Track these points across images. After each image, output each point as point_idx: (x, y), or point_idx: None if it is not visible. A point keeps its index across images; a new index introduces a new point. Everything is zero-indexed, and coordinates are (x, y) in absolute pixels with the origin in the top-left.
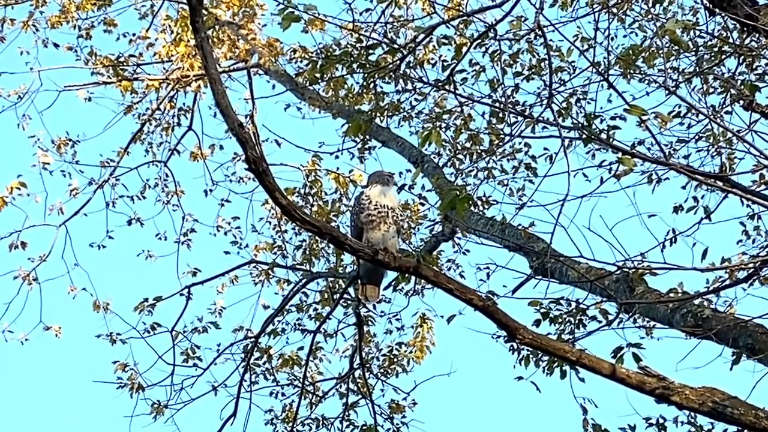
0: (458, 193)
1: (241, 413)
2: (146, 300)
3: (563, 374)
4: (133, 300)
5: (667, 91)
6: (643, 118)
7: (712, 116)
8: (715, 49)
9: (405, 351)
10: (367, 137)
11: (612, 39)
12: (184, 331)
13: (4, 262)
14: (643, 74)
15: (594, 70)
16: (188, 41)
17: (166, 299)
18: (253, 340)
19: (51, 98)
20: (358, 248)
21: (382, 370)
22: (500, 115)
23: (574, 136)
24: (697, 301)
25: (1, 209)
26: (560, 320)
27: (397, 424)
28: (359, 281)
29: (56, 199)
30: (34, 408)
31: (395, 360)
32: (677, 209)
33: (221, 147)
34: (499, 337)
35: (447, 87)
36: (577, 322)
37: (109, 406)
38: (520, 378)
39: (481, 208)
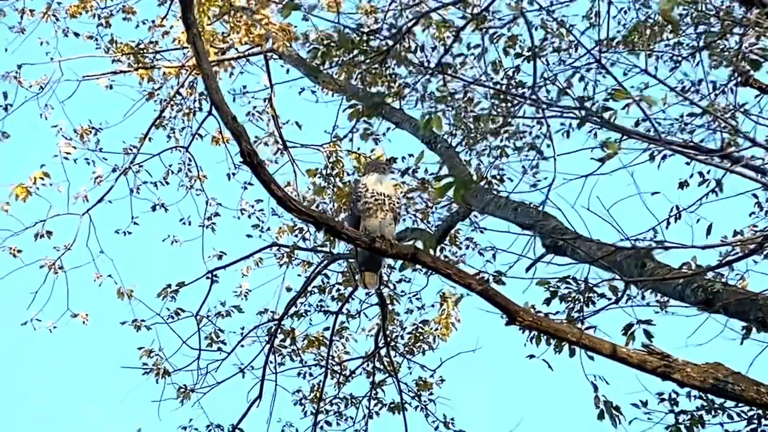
0: (455, 178)
1: (267, 396)
2: (169, 286)
3: (572, 352)
4: (160, 285)
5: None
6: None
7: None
8: (717, 25)
9: (430, 328)
10: (369, 124)
11: (624, 12)
12: (208, 316)
13: (30, 251)
14: (650, 50)
15: (589, 52)
16: (204, 27)
17: (189, 284)
18: (276, 322)
19: (72, 88)
20: (355, 237)
21: (407, 349)
22: (501, 96)
23: (573, 117)
24: (709, 275)
25: (26, 199)
26: (570, 298)
27: (425, 401)
28: (358, 268)
29: (80, 187)
30: (63, 395)
31: (421, 338)
32: (682, 185)
33: (252, 137)
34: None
35: (448, 70)
36: (586, 299)
37: (136, 392)
38: (531, 356)
39: (495, 187)
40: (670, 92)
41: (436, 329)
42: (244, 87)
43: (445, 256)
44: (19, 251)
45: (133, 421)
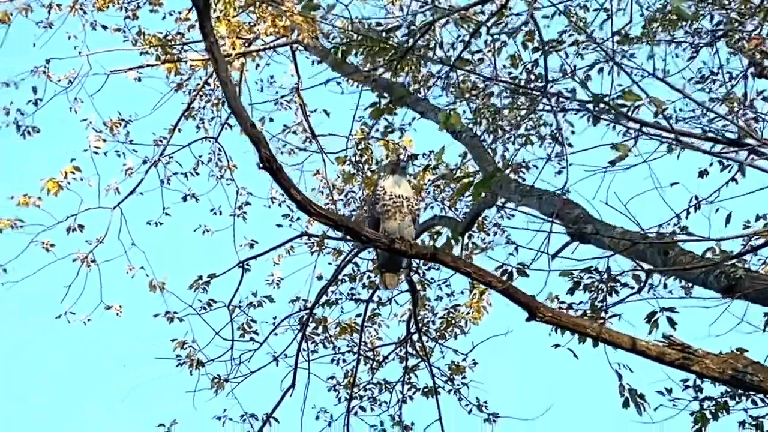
0: (473, 179)
1: (300, 384)
2: (200, 278)
3: (595, 342)
4: (193, 275)
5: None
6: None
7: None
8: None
9: (462, 313)
10: (389, 123)
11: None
12: (240, 306)
13: (63, 245)
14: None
15: (599, 45)
16: (230, 19)
17: (220, 276)
18: (307, 311)
19: (100, 81)
20: (375, 238)
21: (439, 333)
22: (520, 91)
23: (588, 111)
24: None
25: (57, 194)
26: (593, 288)
27: (458, 384)
28: (379, 269)
29: (111, 180)
30: (99, 387)
31: (453, 322)
32: (702, 174)
33: (271, 119)
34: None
35: (466, 66)
36: (609, 289)
37: (171, 383)
38: (557, 345)
39: (520, 175)
40: (688, 82)
41: (468, 313)
42: (272, 77)
43: (473, 243)
44: (52, 245)
45: (166, 412)
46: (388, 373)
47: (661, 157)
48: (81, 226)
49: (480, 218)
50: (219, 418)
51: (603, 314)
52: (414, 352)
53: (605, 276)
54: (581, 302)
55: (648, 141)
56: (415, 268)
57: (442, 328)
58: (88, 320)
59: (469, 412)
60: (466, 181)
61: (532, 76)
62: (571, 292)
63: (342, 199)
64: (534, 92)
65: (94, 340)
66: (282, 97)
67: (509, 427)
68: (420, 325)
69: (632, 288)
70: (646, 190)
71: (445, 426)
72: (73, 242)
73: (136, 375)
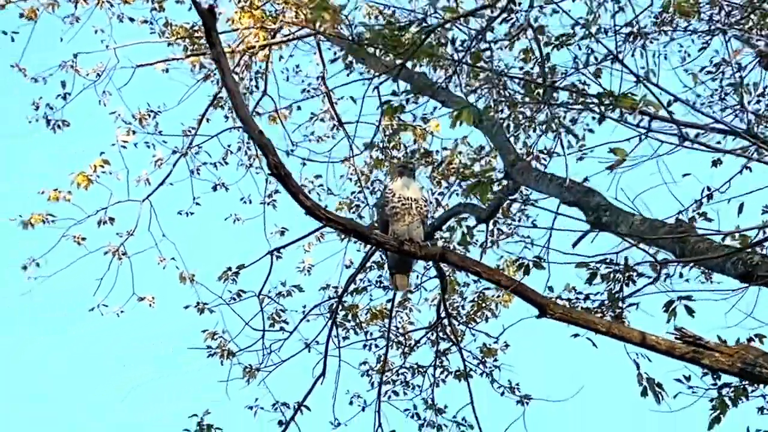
0: (482, 178)
1: (331, 371)
2: (229, 269)
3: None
4: (225, 263)
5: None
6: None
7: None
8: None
9: (493, 296)
10: (402, 120)
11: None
12: (269, 295)
13: (93, 239)
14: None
15: (606, 47)
16: (253, 11)
17: (249, 266)
18: (336, 299)
19: (129, 74)
20: (384, 241)
21: (469, 317)
22: (532, 86)
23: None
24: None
25: (87, 187)
26: (610, 278)
27: (490, 367)
28: (389, 271)
29: (141, 171)
30: (133, 378)
31: (483, 305)
32: (715, 163)
33: (299, 107)
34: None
35: (477, 62)
36: (626, 279)
37: (203, 373)
38: (575, 335)
39: (542, 161)
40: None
41: (498, 296)
42: (297, 66)
43: (499, 229)
44: (83, 239)
45: (197, 402)
46: (421, 358)
47: (670, 153)
48: (111, 219)
49: (504, 205)
50: (251, 408)
51: (620, 304)
52: (445, 337)
53: (622, 266)
54: (598, 293)
55: (658, 136)
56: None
57: (472, 312)
58: (121, 312)
59: (502, 394)
60: (472, 181)
61: (547, 69)
62: (589, 282)
63: (368, 187)
64: (540, 86)
65: (125, 332)
66: (309, 85)
67: (541, 408)
68: (450, 309)
69: (650, 278)
70: (656, 185)
71: (478, 409)
72: (104, 235)
73: (166, 366)
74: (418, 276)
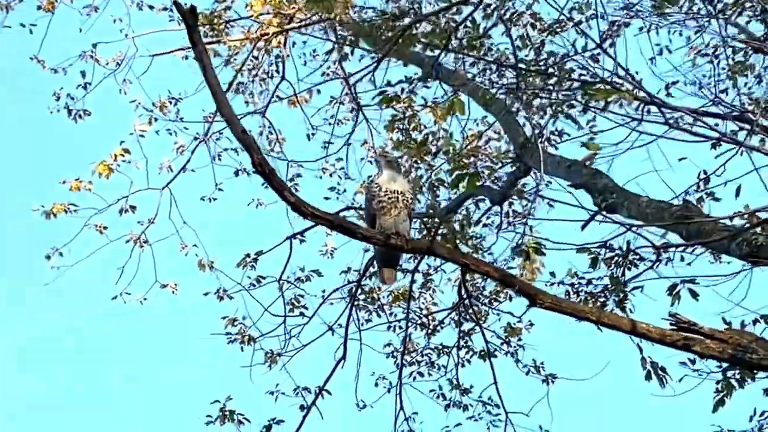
0: (468, 172)
1: (353, 355)
2: (248, 255)
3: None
4: (249, 247)
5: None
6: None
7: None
8: None
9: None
10: (396, 110)
11: None
12: (288, 280)
13: (114, 227)
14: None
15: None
16: None
17: (268, 251)
18: (356, 283)
19: (148, 62)
20: (370, 235)
21: (492, 297)
22: (526, 74)
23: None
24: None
25: (108, 176)
26: (611, 263)
27: (514, 347)
28: (376, 265)
29: (162, 159)
30: (154, 366)
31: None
32: (715, 145)
33: (318, 91)
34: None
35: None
36: (628, 263)
37: (224, 359)
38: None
39: (553, 143)
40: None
41: (522, 275)
42: (314, 51)
43: (514, 210)
44: (105, 228)
45: (219, 388)
46: (446, 338)
47: (654, 141)
48: (133, 207)
49: (519, 184)
50: (272, 393)
51: (624, 288)
52: (468, 317)
53: (624, 249)
54: (600, 278)
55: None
56: (460, 239)
57: (494, 292)
58: (144, 299)
59: (527, 373)
60: (459, 173)
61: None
62: (593, 266)
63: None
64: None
65: (149, 319)
66: (329, 67)
67: (565, 387)
68: (471, 290)
69: (651, 262)
70: (648, 171)
71: (503, 388)
72: (125, 224)
73: (188, 353)
74: (436, 258)
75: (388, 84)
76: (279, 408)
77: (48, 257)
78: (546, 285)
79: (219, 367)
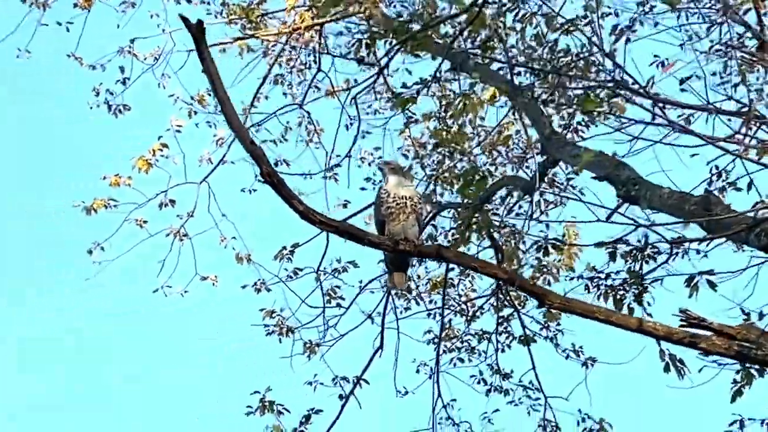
0: (474, 176)
1: (391, 344)
2: (284, 248)
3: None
4: (290, 238)
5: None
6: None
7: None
8: None
9: (554, 260)
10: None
11: None
12: (325, 271)
13: (154, 221)
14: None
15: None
16: None
17: (303, 244)
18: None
19: (185, 57)
20: (379, 242)
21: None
22: (539, 74)
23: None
24: None
25: (147, 171)
26: (630, 257)
27: (553, 331)
28: (387, 269)
29: (202, 152)
30: (194, 358)
31: (545, 270)
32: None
33: (356, 81)
34: None
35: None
36: (646, 257)
37: (263, 350)
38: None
39: (578, 135)
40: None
41: (559, 260)
42: (350, 42)
43: (545, 200)
44: (145, 222)
45: (257, 380)
46: (486, 324)
47: (659, 142)
48: (172, 201)
49: (550, 175)
50: (310, 383)
51: (642, 281)
52: (507, 303)
53: (643, 243)
54: (619, 271)
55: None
56: (496, 228)
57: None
58: (185, 292)
59: (567, 357)
60: (464, 180)
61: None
62: (612, 258)
63: (429, 154)
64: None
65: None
66: (363, 57)
67: (604, 371)
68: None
69: (668, 254)
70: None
71: (543, 372)
72: (165, 218)
73: (228, 345)
74: (474, 246)
75: (403, 86)
76: (318, 398)
77: (90, 252)
78: (567, 280)
79: (256, 359)
